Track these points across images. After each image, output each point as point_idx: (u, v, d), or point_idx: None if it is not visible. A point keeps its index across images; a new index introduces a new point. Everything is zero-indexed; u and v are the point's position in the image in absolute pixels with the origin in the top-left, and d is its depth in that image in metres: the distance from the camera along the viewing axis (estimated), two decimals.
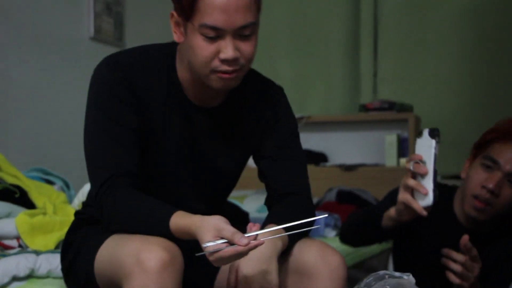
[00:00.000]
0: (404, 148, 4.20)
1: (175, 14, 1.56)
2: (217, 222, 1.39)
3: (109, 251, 1.54)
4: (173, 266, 1.41)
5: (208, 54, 1.51)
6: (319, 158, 4.41)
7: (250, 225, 1.41)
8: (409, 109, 4.32)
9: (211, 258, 1.38)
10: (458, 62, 4.39)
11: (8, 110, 3.08)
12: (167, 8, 1.66)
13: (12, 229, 2.20)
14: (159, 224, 1.47)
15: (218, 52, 1.51)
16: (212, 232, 1.38)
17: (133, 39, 3.90)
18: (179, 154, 1.68)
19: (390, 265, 2.87)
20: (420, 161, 1.67)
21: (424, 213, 1.67)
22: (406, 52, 4.53)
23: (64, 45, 3.48)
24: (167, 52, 1.67)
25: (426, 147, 1.66)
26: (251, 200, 3.50)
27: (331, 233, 3.03)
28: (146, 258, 1.39)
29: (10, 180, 2.51)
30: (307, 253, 1.58)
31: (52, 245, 2.17)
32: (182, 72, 1.65)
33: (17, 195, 2.41)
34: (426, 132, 1.67)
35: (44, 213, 2.35)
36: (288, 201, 1.70)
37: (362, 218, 2.04)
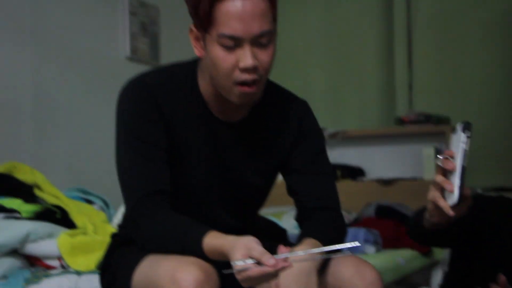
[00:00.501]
0: None
1: (193, 28, 1.58)
2: (248, 242, 1.40)
3: (145, 271, 1.55)
4: (208, 285, 1.42)
5: (228, 65, 1.52)
6: (356, 172, 4.38)
7: (281, 247, 1.40)
8: (446, 121, 4.27)
9: (239, 277, 1.38)
10: (495, 72, 4.33)
11: (48, 129, 3.12)
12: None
13: (54, 249, 2.23)
14: (193, 245, 1.48)
15: (237, 62, 1.52)
16: (242, 251, 1.38)
17: (169, 59, 3.92)
18: (206, 170, 1.68)
19: (433, 281, 2.83)
20: (451, 157, 1.55)
21: (451, 212, 1.54)
22: (441, 63, 4.48)
23: (102, 65, 3.52)
24: (190, 69, 1.68)
25: (457, 143, 1.55)
26: (289, 216, 3.47)
27: (371, 249, 3.00)
28: (182, 278, 1.40)
29: (51, 200, 2.54)
30: (343, 268, 1.57)
31: (93, 265, 2.18)
32: (204, 87, 1.66)
33: (58, 216, 2.43)
34: (459, 127, 1.57)
35: (85, 233, 2.38)
36: (319, 217, 1.69)
37: (415, 216, 1.91)
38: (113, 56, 3.62)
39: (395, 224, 3.31)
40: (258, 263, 1.36)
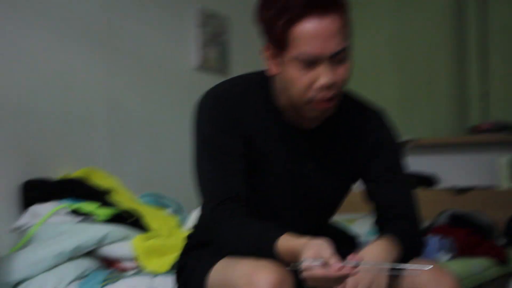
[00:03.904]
0: None
1: (267, 47, 1.59)
2: (321, 242, 1.40)
3: (220, 274, 1.57)
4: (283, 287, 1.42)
5: (305, 83, 1.53)
6: (429, 181, 4.31)
7: (351, 255, 1.40)
8: None
9: (303, 274, 1.39)
10: None
11: (121, 137, 3.19)
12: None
13: (128, 252, 2.27)
14: (267, 246, 1.49)
15: (314, 81, 1.53)
16: (313, 251, 1.38)
17: (238, 68, 3.96)
18: (281, 178, 1.69)
19: None
20: None
21: None
22: None
23: (172, 75, 3.58)
24: (264, 79, 1.70)
25: None
26: (360, 223, 3.44)
27: (445, 257, 2.94)
28: (257, 281, 1.42)
29: (126, 204, 2.60)
30: (419, 273, 1.53)
31: (167, 267, 2.21)
32: (279, 99, 1.67)
33: (132, 219, 2.48)
34: None
35: (159, 236, 2.41)
36: (394, 226, 1.66)
37: None
38: (183, 66, 3.68)
39: (469, 232, 3.23)
40: (326, 265, 1.36)
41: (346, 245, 1.83)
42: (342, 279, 1.36)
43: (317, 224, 1.79)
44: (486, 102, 4.42)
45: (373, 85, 4.67)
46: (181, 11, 3.66)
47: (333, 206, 1.82)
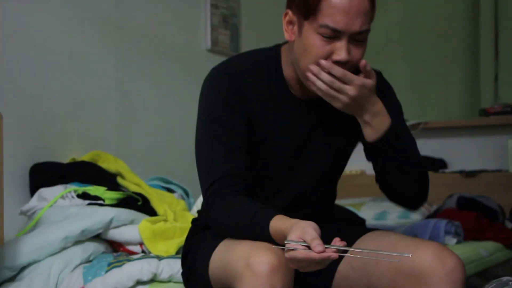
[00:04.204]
0: None
1: (290, 12, 1.62)
2: (306, 225, 1.42)
3: (221, 256, 1.59)
4: (282, 269, 1.44)
5: (321, 54, 1.56)
6: (438, 164, 4.29)
7: (336, 239, 1.40)
8: None
9: (286, 255, 1.40)
10: None
11: (130, 120, 3.20)
12: (281, 20, 1.69)
13: (135, 235, 2.29)
14: (260, 227, 1.51)
15: (331, 53, 1.56)
16: (297, 233, 1.40)
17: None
18: (288, 149, 1.71)
19: None
20: None
21: None
22: None
23: (183, 57, 3.58)
24: (273, 54, 1.73)
25: None
26: (368, 207, 3.45)
27: (452, 241, 2.94)
28: (256, 262, 1.43)
29: (133, 188, 2.61)
30: (423, 254, 1.54)
31: (173, 251, 2.23)
32: (287, 71, 1.70)
33: (139, 203, 2.49)
34: None
35: (165, 220, 2.43)
36: None
37: None
38: (194, 48, 3.67)
39: (477, 216, 3.23)
40: (310, 247, 1.37)
41: (355, 226, 1.84)
42: (323, 262, 1.37)
43: (320, 198, 1.81)
44: (497, 84, 4.38)
45: (384, 66, 4.63)
46: None
47: (337, 173, 1.84)
